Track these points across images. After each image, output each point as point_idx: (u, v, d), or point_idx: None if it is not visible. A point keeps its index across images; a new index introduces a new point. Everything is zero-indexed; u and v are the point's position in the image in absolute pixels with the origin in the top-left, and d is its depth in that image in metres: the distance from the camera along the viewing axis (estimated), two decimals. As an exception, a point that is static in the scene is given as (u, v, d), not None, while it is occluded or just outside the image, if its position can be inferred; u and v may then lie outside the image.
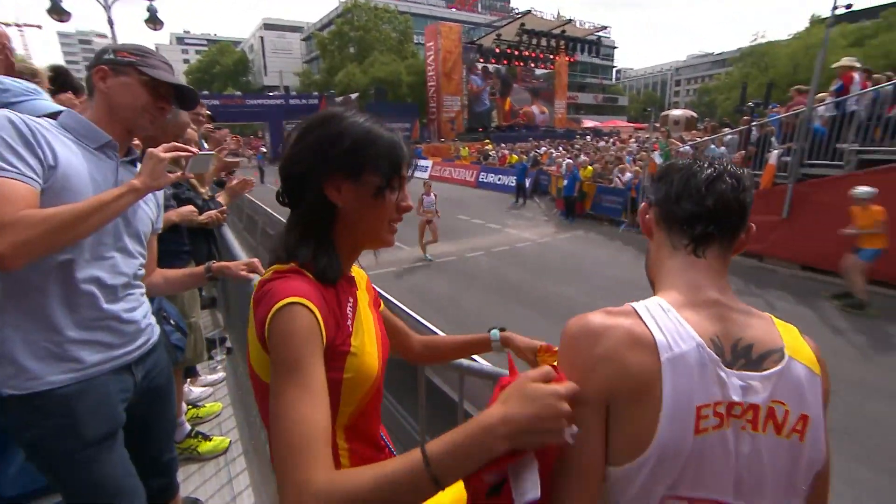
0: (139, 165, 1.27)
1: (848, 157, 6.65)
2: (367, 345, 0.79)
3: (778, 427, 0.61)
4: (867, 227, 5.26)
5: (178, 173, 1.26)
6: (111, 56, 1.14)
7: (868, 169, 6.30)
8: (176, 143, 1.22)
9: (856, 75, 6.80)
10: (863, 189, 5.38)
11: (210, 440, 2.27)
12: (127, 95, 1.14)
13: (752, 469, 0.61)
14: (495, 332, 1.09)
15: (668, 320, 0.63)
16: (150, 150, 1.17)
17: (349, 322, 0.77)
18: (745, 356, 0.62)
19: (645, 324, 0.63)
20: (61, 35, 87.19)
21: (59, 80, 2.47)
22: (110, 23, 11.08)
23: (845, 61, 6.96)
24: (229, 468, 2.18)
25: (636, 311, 0.65)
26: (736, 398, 0.60)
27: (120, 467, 1.18)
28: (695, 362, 0.60)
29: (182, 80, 1.18)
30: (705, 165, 0.71)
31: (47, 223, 0.93)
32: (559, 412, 0.54)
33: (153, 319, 1.34)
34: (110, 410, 1.16)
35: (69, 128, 1.11)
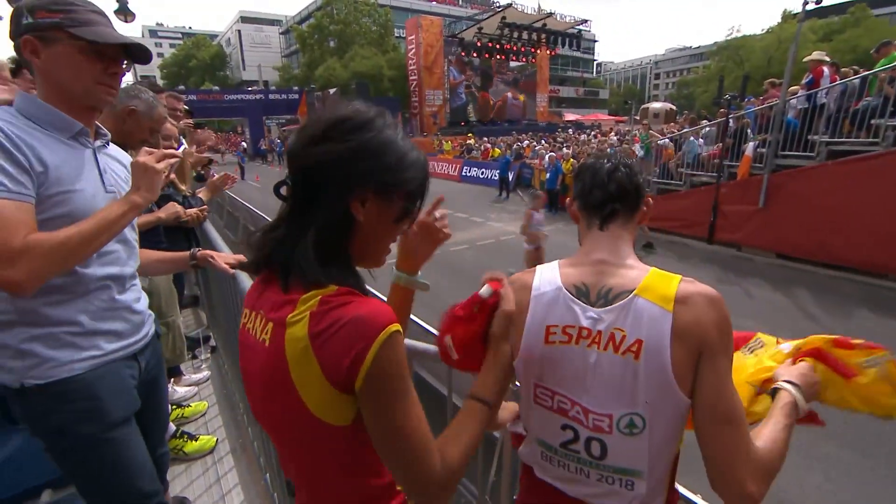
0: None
1: (819, 149, 6.87)
2: None
3: (616, 347, 0.81)
4: None
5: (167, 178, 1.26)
6: (30, 20, 0.93)
7: (837, 160, 6.53)
8: (165, 151, 1.19)
9: (825, 69, 7.01)
10: None
11: (196, 440, 2.24)
12: (69, 69, 0.98)
13: (598, 378, 0.83)
14: (395, 273, 0.93)
15: (550, 273, 0.91)
16: (142, 161, 1.11)
17: None
18: (604, 298, 0.84)
19: (534, 276, 0.92)
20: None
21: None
22: (78, 14, 10.63)
23: (816, 55, 7.18)
24: (217, 467, 2.16)
25: (537, 269, 0.93)
26: (586, 325, 0.83)
27: (139, 452, 1.21)
28: (549, 299, 0.88)
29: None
30: (605, 161, 0.94)
31: (59, 250, 0.93)
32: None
33: (150, 311, 1.35)
34: (128, 394, 1.19)
35: (32, 116, 0.98)
